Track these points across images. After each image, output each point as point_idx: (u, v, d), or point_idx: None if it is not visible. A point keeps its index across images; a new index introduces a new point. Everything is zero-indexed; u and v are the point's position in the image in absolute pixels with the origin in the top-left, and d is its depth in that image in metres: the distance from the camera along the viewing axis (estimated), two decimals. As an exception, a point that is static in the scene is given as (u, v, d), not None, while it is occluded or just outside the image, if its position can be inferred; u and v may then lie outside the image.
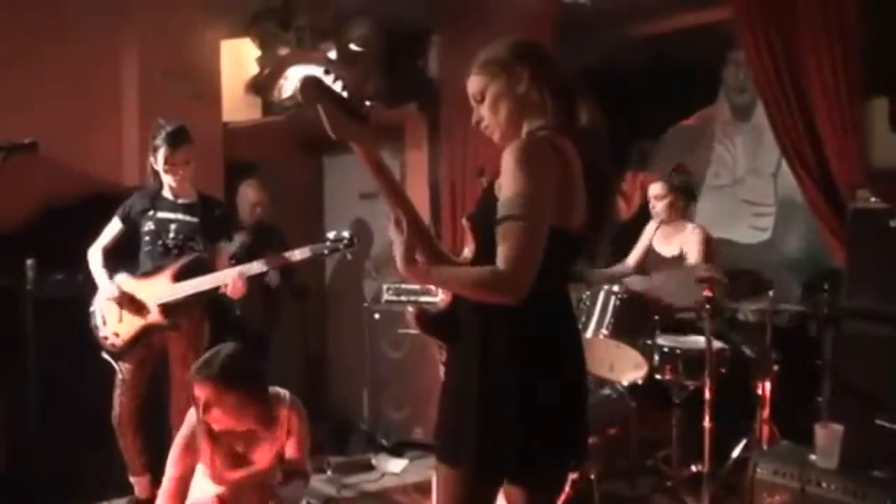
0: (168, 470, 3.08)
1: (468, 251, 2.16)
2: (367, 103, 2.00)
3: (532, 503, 2.15)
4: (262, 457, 3.05)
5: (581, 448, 2.18)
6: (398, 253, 2.04)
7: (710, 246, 4.30)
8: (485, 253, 1.98)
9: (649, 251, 4.51)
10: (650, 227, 4.56)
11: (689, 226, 4.39)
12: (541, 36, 4.07)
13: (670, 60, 4.78)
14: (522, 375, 1.99)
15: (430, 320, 2.14)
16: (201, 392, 2.86)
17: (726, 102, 4.93)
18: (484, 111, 2.10)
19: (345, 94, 1.94)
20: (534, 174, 1.87)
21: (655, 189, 4.42)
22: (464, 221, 2.15)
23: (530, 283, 1.86)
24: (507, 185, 1.88)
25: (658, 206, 4.39)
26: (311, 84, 1.92)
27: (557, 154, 1.94)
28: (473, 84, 2.11)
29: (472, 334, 2.04)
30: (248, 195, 5.06)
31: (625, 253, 4.61)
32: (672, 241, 4.41)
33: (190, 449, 3.04)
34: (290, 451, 3.08)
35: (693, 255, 4.21)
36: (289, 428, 3.06)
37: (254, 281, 3.84)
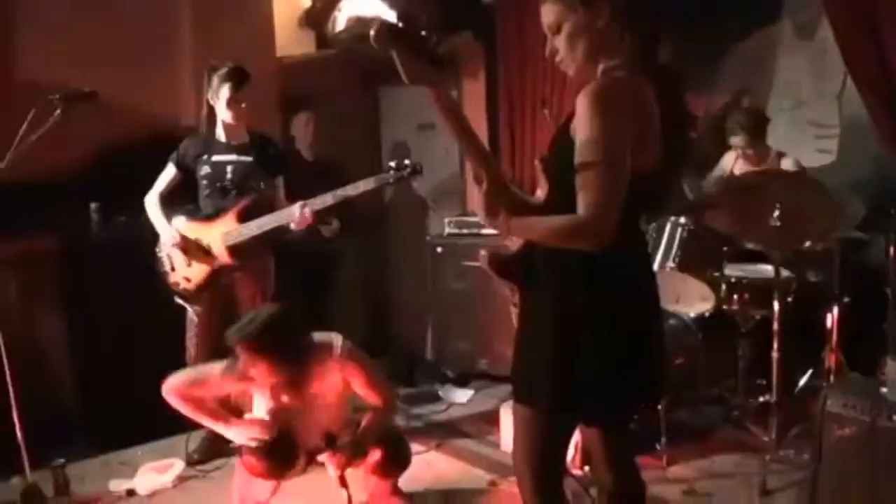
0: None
1: (541, 193, 2.13)
2: (423, 33, 1.96)
3: (605, 438, 2.22)
4: (318, 401, 3.13)
5: (654, 386, 2.19)
6: (480, 206, 2.03)
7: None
8: (560, 196, 1.95)
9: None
10: (728, 158, 4.39)
11: (775, 152, 4.21)
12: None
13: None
14: (596, 318, 1.97)
15: (504, 264, 2.13)
16: (239, 351, 2.94)
17: (789, 20, 4.73)
18: (559, 44, 2.00)
19: (423, 33, 1.90)
20: (612, 119, 1.82)
21: (735, 140, 4.18)
22: (537, 163, 2.11)
23: (612, 230, 1.83)
24: (585, 129, 1.83)
25: (736, 140, 4.17)
26: (384, 30, 1.88)
27: (634, 96, 1.89)
28: (549, 13, 1.99)
29: (546, 277, 2.03)
30: (301, 128, 5.07)
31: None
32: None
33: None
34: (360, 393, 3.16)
35: None
36: (347, 376, 3.11)
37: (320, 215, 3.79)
